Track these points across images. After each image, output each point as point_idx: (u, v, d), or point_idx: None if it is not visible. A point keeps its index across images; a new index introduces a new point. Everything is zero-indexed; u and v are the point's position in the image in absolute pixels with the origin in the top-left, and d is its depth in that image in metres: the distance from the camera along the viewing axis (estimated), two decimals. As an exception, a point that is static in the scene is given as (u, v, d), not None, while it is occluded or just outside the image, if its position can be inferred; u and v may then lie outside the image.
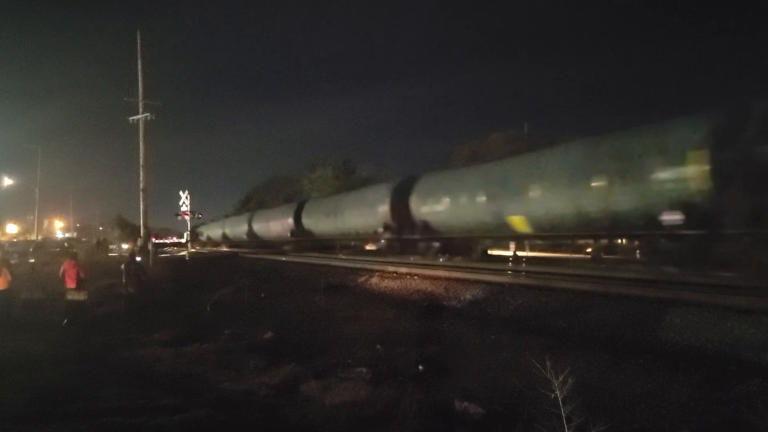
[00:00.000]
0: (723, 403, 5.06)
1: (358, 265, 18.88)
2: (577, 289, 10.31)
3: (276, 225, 36.74)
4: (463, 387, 5.87)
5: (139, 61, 25.29)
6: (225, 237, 53.50)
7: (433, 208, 19.48)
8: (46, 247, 34.77)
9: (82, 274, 11.74)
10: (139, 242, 25.89)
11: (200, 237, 63.11)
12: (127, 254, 19.96)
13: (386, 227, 22.63)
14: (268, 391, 6.18)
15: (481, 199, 17.01)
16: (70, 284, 11.56)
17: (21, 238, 55.83)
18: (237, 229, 48.45)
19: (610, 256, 17.20)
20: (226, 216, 61.86)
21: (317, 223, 29.97)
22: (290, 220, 33.28)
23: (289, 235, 33.88)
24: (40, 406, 5.55)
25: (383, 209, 22.76)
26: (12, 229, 65.78)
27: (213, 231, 59.95)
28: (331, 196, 33.52)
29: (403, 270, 15.81)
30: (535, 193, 14.90)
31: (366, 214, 24.40)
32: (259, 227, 40.87)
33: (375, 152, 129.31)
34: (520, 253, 21.49)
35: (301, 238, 32.56)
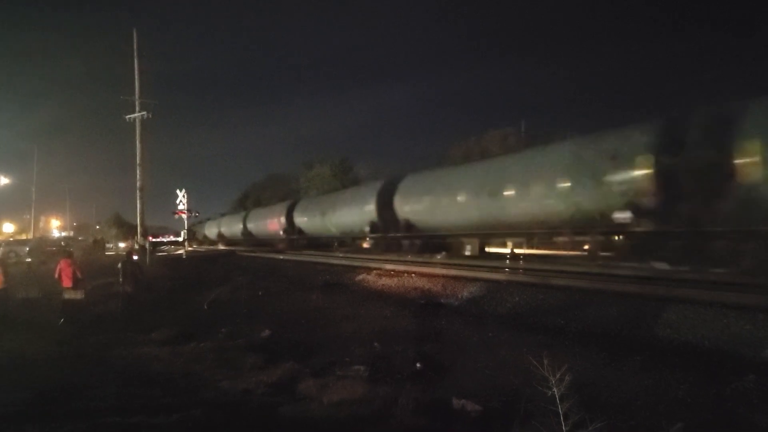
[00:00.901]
0: (719, 399, 5.08)
1: (356, 263, 18.88)
2: (574, 286, 10.33)
3: (340, 216, 26.94)
4: (460, 384, 5.88)
5: (136, 60, 25.24)
6: (246, 234, 44.25)
7: None
8: (42, 246, 34.71)
9: (78, 273, 11.71)
10: (141, 241, 25.83)
11: (207, 235, 57.86)
12: (124, 253, 19.92)
13: (642, 212, 12.26)
14: (266, 389, 6.17)
15: None
16: (67, 283, 11.54)
17: (17, 237, 55.53)
18: (264, 223, 39.26)
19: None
20: (245, 208, 52.57)
21: (434, 209, 19.74)
22: (370, 207, 23.77)
23: (367, 229, 24.35)
24: (37, 405, 5.53)
25: (625, 178, 12.67)
26: (9, 228, 65.51)
27: (227, 227, 51.39)
28: (464, 165, 21.01)
29: (401, 268, 15.81)
30: None
31: (574, 188, 13.96)
32: (307, 220, 31.63)
33: (372, 150, 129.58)
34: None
35: (394, 233, 22.24)
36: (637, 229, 12.54)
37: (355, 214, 25.20)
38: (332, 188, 40.27)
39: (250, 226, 43.27)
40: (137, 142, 25.41)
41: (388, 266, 16.57)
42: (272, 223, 37.36)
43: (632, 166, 12.52)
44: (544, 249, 17.94)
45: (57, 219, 75.86)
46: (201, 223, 61.37)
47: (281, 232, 35.37)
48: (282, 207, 36.45)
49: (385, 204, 22.42)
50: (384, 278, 14.78)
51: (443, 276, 13.42)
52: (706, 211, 10.80)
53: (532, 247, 17.81)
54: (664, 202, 11.83)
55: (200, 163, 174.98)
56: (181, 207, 31.29)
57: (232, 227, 48.89)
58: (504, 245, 21.20)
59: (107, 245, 45.67)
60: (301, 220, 32.63)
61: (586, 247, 14.73)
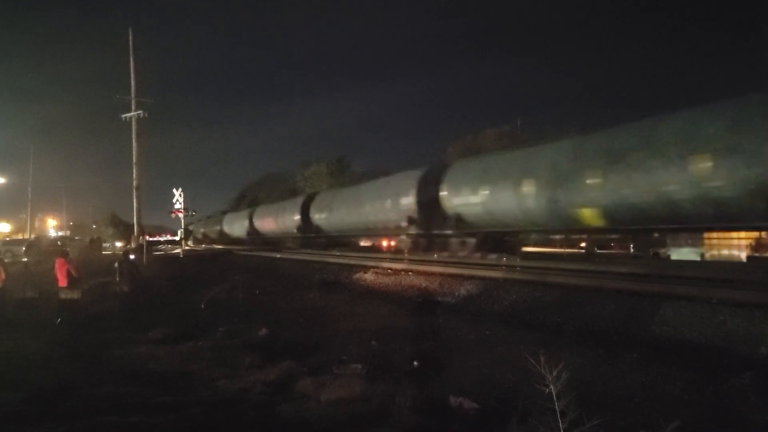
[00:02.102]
0: (716, 396, 5.10)
1: (353, 262, 18.86)
2: (571, 284, 10.35)
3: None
4: (457, 382, 5.88)
5: (131, 59, 25.18)
6: (308, 229, 30.40)
7: None
8: (43, 245, 34.58)
9: (74, 273, 11.67)
10: (140, 240, 25.76)
11: (226, 231, 49.16)
12: (120, 252, 19.88)
13: None
14: (263, 388, 6.17)
15: None
16: (62, 282, 11.49)
17: (13, 236, 55.25)
18: (364, 210, 24.56)
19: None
20: (295, 195, 36.78)
21: None
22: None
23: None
24: (34, 405, 5.51)
25: None
26: (5, 227, 65.21)
27: (262, 220, 38.78)
28: None
29: (398, 266, 15.81)
30: None
31: None
32: (484, 201, 17.47)
33: (369, 149, 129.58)
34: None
35: None
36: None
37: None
38: (329, 186, 39.61)
39: (318, 217, 28.99)
40: (133, 141, 25.36)
41: (385, 264, 16.58)
42: (383, 210, 22.51)
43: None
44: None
45: (53, 218, 75.62)
46: (210, 218, 58.75)
47: (404, 223, 20.85)
48: (407, 180, 21.10)
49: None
50: (381, 276, 14.77)
51: (440, 274, 13.42)
52: None
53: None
54: None
55: (198, 162, 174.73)
56: (177, 206, 31.24)
57: (285, 220, 33.64)
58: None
59: (104, 244, 45.47)
60: (455, 199, 18.65)
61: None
